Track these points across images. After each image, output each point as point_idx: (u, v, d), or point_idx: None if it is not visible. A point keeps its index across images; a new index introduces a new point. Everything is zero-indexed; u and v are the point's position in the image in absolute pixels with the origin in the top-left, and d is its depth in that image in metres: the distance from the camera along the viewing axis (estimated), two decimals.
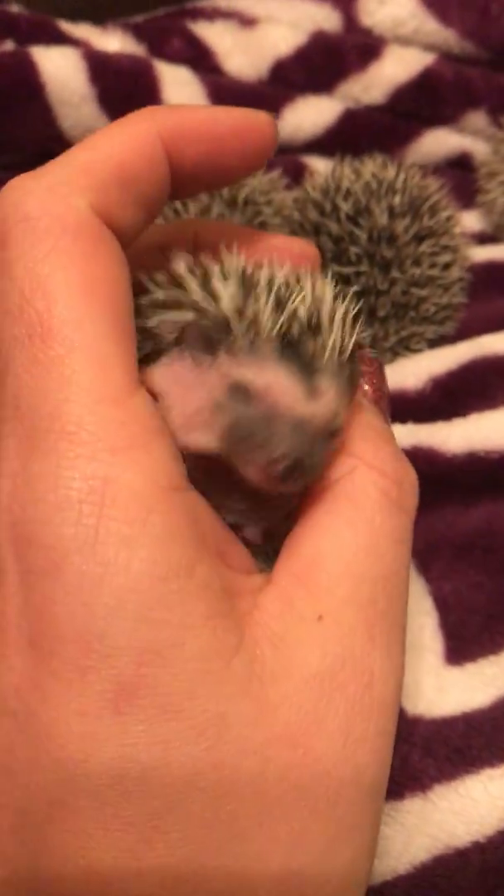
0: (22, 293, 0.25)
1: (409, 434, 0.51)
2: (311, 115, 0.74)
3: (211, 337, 0.28)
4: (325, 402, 0.28)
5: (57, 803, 0.24)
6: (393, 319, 0.55)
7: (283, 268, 0.30)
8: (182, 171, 0.29)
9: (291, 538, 0.28)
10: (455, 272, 0.59)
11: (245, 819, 0.24)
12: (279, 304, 0.28)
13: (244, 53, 0.74)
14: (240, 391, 0.27)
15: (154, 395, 0.27)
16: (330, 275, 0.50)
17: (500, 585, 0.48)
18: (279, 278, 0.29)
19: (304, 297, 0.28)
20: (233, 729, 0.24)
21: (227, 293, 0.28)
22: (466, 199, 0.73)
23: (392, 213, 0.54)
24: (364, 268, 0.53)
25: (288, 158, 0.73)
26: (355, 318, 0.29)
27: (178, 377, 0.28)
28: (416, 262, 0.55)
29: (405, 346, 0.56)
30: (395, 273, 0.54)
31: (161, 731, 0.23)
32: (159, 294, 0.30)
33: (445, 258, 0.58)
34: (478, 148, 0.78)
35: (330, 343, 0.28)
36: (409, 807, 0.40)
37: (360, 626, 0.25)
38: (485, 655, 0.45)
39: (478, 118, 0.77)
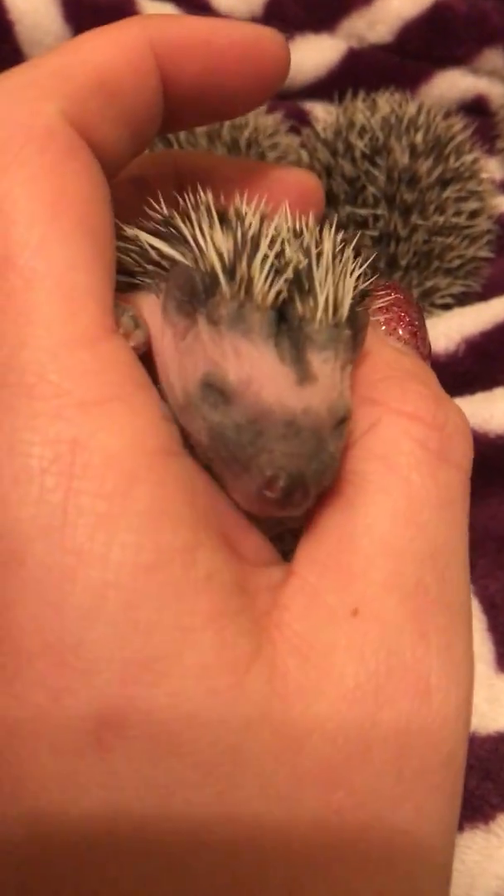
0: None
1: None
2: (311, 55, 0.67)
3: (197, 290, 0.23)
4: (322, 385, 0.22)
5: (30, 868, 0.18)
6: (415, 270, 0.49)
7: (286, 217, 0.25)
8: (177, 90, 0.25)
9: (310, 517, 0.22)
10: (482, 222, 0.52)
11: (269, 887, 0.19)
12: (264, 263, 0.22)
13: None
14: (214, 388, 0.22)
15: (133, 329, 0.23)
16: (337, 218, 0.44)
17: None
18: (283, 233, 0.24)
19: (296, 254, 0.23)
20: (250, 767, 0.18)
21: (221, 244, 0.23)
22: (484, 146, 0.66)
23: (414, 152, 0.48)
24: (382, 211, 0.47)
25: (286, 104, 0.66)
26: (359, 259, 0.25)
27: (162, 325, 0.24)
28: (440, 209, 0.49)
29: (429, 302, 0.49)
30: (416, 219, 0.48)
31: (157, 773, 0.18)
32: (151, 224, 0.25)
33: (472, 205, 0.51)
34: (495, 90, 0.71)
35: (320, 303, 0.22)
36: (470, 842, 0.34)
37: (408, 619, 0.20)
38: None
39: (494, 57, 0.70)
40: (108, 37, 0.24)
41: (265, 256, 0.22)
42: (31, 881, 0.18)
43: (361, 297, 0.25)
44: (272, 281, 0.22)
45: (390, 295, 0.26)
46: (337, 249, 0.25)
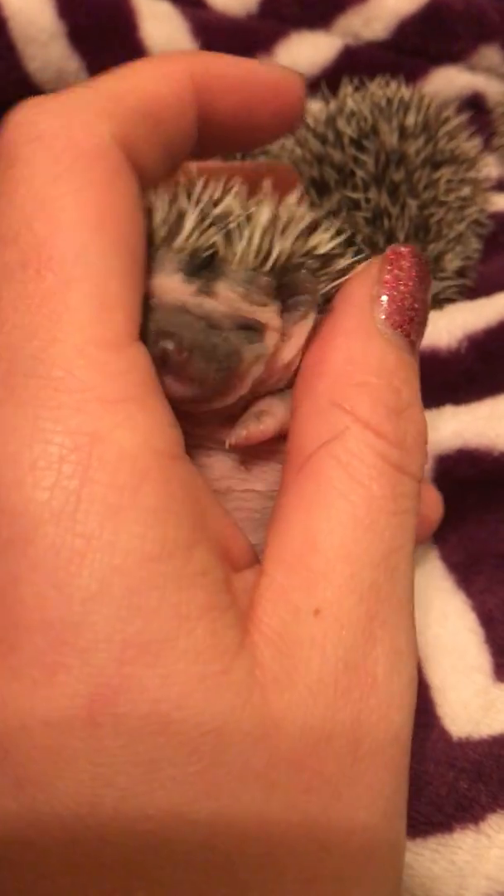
0: (22, 215, 0.22)
1: (452, 423, 0.44)
2: (306, 52, 0.67)
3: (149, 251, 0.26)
4: (221, 299, 0.26)
5: (16, 840, 0.19)
6: (413, 240, 0.48)
7: (241, 192, 0.28)
8: (212, 121, 0.27)
9: (278, 516, 0.24)
10: (473, 213, 0.52)
11: (245, 870, 0.20)
12: (202, 220, 0.26)
13: None
14: (145, 308, 0.25)
15: None
16: (329, 205, 0.44)
17: None
18: (217, 198, 0.27)
19: (230, 211, 0.27)
20: (231, 748, 0.20)
21: (161, 209, 0.27)
22: (481, 143, 0.66)
23: (403, 133, 0.48)
24: (372, 194, 0.47)
25: None
26: (311, 231, 0.28)
27: None
28: (430, 187, 0.49)
29: (434, 275, 0.49)
30: (406, 198, 0.47)
31: (144, 749, 0.19)
32: None
33: (465, 191, 0.51)
34: (491, 87, 0.71)
35: (239, 250, 0.26)
36: (461, 841, 0.34)
37: (361, 619, 0.22)
38: None
39: (491, 54, 0.70)
40: (157, 68, 0.26)
41: (196, 214, 0.26)
42: (17, 853, 0.19)
43: (325, 264, 0.28)
44: (199, 233, 0.26)
45: (398, 264, 0.26)
46: (291, 206, 0.28)
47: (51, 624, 0.19)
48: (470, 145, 0.52)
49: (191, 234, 0.26)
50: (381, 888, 0.22)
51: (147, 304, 0.25)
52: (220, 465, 0.28)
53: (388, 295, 0.25)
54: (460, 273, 0.52)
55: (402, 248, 0.26)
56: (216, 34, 0.64)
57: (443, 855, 0.34)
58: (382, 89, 0.51)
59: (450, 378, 0.45)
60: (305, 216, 0.28)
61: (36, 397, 0.20)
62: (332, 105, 0.51)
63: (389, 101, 0.49)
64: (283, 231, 0.27)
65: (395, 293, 0.25)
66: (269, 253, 0.27)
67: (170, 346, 0.24)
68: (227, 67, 0.27)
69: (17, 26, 0.59)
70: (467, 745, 0.37)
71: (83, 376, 0.20)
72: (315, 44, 0.67)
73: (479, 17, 0.68)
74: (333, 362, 0.25)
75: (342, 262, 0.29)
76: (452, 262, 0.50)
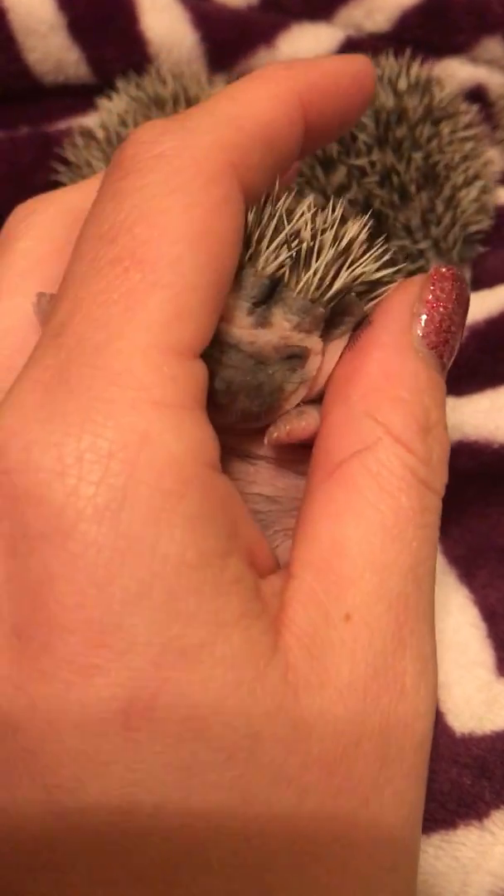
0: (127, 220, 0.22)
1: (452, 416, 0.44)
2: (308, 44, 0.66)
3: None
4: (274, 330, 0.27)
5: (43, 845, 0.18)
6: (424, 192, 0.48)
7: (299, 199, 0.29)
8: (313, 131, 0.28)
9: (306, 519, 0.24)
10: (480, 165, 0.52)
11: (272, 874, 0.20)
12: (275, 240, 0.27)
13: None
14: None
15: None
16: (337, 177, 0.44)
17: None
18: (304, 218, 0.28)
19: (300, 229, 0.28)
20: (267, 753, 0.20)
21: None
22: (484, 135, 0.66)
23: (397, 93, 0.48)
24: (376, 155, 0.47)
25: None
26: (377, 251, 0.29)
27: None
28: (433, 139, 0.49)
29: (462, 217, 0.49)
30: (411, 153, 0.48)
31: (181, 754, 0.19)
32: None
33: (467, 146, 0.51)
34: (493, 80, 0.70)
35: (303, 280, 0.27)
36: (464, 838, 0.34)
37: (391, 626, 0.23)
38: None
39: (494, 46, 0.69)
40: (268, 89, 0.26)
41: (273, 237, 0.27)
42: (43, 858, 0.18)
43: (371, 288, 0.29)
44: (275, 255, 0.27)
45: (440, 285, 0.27)
46: (354, 238, 0.29)
47: (89, 624, 0.19)
48: (466, 106, 0.52)
49: (266, 260, 0.27)
50: (403, 894, 0.22)
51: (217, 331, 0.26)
52: (233, 468, 0.29)
53: (427, 314, 0.26)
54: (481, 208, 0.51)
55: (445, 270, 0.27)
56: (217, 25, 0.64)
57: (446, 852, 0.33)
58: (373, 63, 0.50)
59: (451, 369, 0.45)
60: (363, 244, 0.30)
61: (91, 388, 0.20)
62: None
63: (382, 69, 0.49)
64: (348, 265, 0.28)
65: (435, 313, 0.26)
66: (330, 286, 0.28)
67: (221, 385, 0.26)
68: (324, 77, 0.28)
69: (17, 17, 0.59)
70: (470, 740, 0.37)
71: (142, 375, 0.20)
72: (317, 35, 0.66)
73: (481, 9, 0.68)
74: (369, 374, 0.26)
75: (386, 286, 0.30)
76: (469, 196, 0.50)
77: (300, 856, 0.20)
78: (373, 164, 0.47)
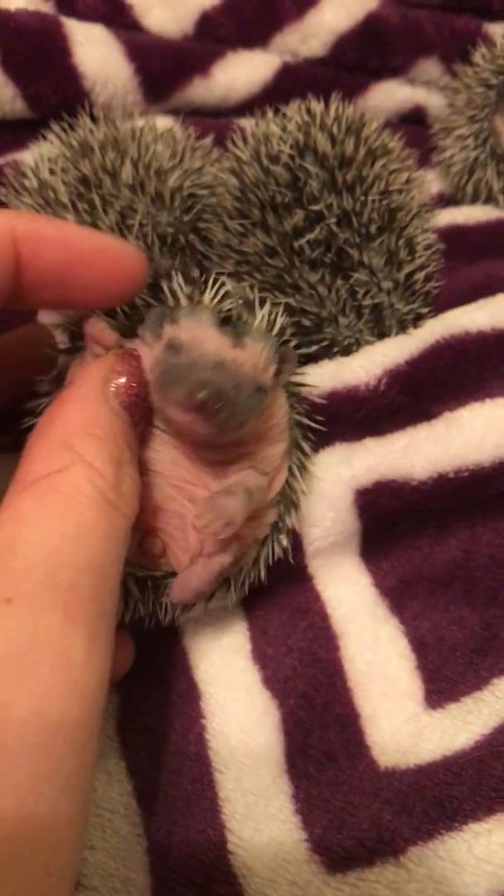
0: None
1: (368, 459, 0.44)
2: (244, 72, 0.67)
3: (163, 314, 0.33)
4: (250, 352, 0.33)
5: None
6: (386, 233, 0.49)
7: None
8: (31, 274, 0.30)
9: None
10: (416, 194, 0.53)
11: None
12: (217, 294, 0.33)
13: (166, 6, 0.67)
14: (173, 346, 0.32)
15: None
16: (293, 225, 0.47)
17: (484, 617, 0.43)
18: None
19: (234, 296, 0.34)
20: None
21: (182, 291, 0.34)
22: (422, 158, 0.66)
23: (334, 138, 0.49)
24: (331, 199, 0.48)
25: (221, 123, 0.66)
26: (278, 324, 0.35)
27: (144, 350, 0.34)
28: (379, 179, 0.50)
29: (410, 253, 0.50)
30: (368, 195, 0.49)
31: None
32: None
33: (403, 176, 0.52)
34: (431, 101, 0.71)
35: (259, 317, 0.34)
36: (379, 876, 0.35)
37: (57, 606, 0.25)
38: (469, 693, 0.40)
39: (430, 67, 0.70)
40: None
41: (213, 293, 0.34)
42: None
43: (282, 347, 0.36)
44: (219, 300, 0.33)
45: (129, 360, 0.33)
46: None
47: None
48: (388, 136, 0.53)
49: (215, 298, 0.33)
50: (31, 874, 0.23)
51: (176, 345, 0.32)
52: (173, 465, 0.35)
53: (120, 379, 0.32)
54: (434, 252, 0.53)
55: (133, 350, 0.33)
56: (152, 56, 0.64)
57: (361, 890, 0.34)
58: (295, 112, 0.51)
59: (371, 413, 0.45)
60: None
61: None
62: (258, 133, 0.50)
63: (311, 115, 0.49)
64: (280, 313, 0.35)
65: (124, 379, 0.32)
66: (274, 323, 0.35)
67: (207, 396, 0.30)
68: (52, 228, 0.31)
69: None
70: (393, 774, 0.38)
71: None
72: (252, 63, 0.67)
73: (416, 31, 0.69)
74: (69, 416, 0.30)
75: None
76: (425, 241, 0.51)
77: None
78: (329, 206, 0.48)
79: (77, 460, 0.28)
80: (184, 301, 0.33)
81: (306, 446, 0.40)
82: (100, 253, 0.31)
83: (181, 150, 0.53)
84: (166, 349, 0.32)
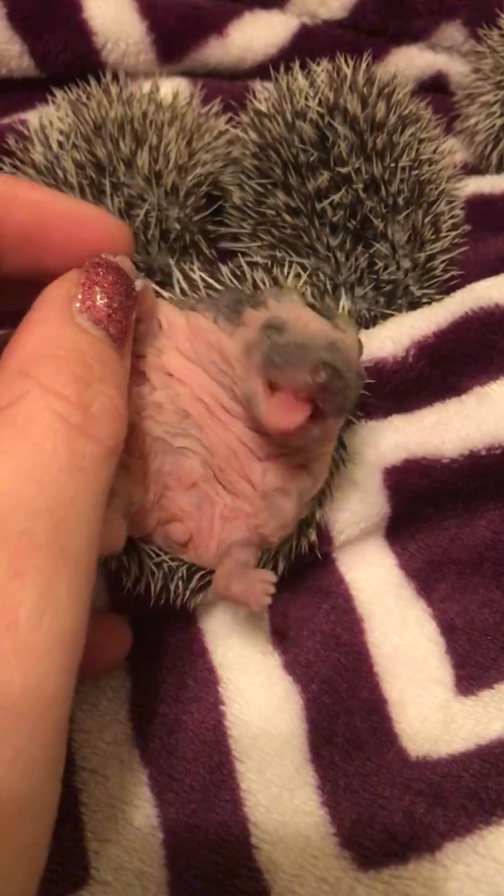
0: None
1: (396, 436, 0.42)
2: (261, 33, 0.64)
3: (238, 298, 0.32)
4: (349, 334, 0.31)
5: None
6: (413, 206, 0.47)
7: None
8: (5, 234, 0.29)
9: None
10: (446, 165, 0.51)
11: None
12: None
13: None
14: (273, 327, 0.30)
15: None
16: (316, 187, 0.45)
17: None
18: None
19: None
20: None
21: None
22: (444, 126, 0.63)
23: (364, 100, 0.46)
24: (359, 163, 0.45)
25: (236, 85, 0.63)
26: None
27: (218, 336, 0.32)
28: (408, 148, 0.47)
29: (435, 232, 0.48)
30: (399, 161, 0.46)
31: None
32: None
33: (432, 147, 0.50)
34: (454, 67, 0.68)
35: (342, 304, 0.35)
36: (415, 873, 0.32)
37: (4, 559, 0.22)
38: (502, 679, 0.38)
39: (453, 31, 0.67)
40: None
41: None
42: None
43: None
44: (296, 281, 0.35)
45: (95, 270, 0.29)
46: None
47: None
48: (418, 105, 0.50)
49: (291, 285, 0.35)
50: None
51: (278, 325, 0.30)
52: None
53: (83, 293, 0.28)
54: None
55: (99, 259, 0.29)
56: (166, 13, 0.61)
57: (396, 888, 0.32)
58: (325, 70, 0.48)
59: (399, 387, 0.43)
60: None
61: None
62: (283, 88, 0.48)
63: (340, 74, 0.47)
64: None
65: (92, 292, 0.28)
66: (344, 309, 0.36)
67: (331, 376, 0.28)
68: (19, 187, 0.29)
69: None
70: (425, 764, 0.36)
71: None
72: (270, 23, 0.64)
73: None
74: (27, 342, 0.26)
75: None
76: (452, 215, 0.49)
77: None
78: (357, 171, 0.45)
79: (33, 386, 0.25)
80: (268, 283, 0.33)
81: (345, 438, 0.38)
82: (74, 216, 0.30)
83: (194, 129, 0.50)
84: (266, 329, 0.30)
